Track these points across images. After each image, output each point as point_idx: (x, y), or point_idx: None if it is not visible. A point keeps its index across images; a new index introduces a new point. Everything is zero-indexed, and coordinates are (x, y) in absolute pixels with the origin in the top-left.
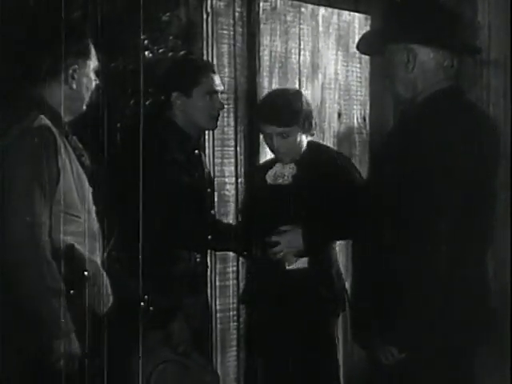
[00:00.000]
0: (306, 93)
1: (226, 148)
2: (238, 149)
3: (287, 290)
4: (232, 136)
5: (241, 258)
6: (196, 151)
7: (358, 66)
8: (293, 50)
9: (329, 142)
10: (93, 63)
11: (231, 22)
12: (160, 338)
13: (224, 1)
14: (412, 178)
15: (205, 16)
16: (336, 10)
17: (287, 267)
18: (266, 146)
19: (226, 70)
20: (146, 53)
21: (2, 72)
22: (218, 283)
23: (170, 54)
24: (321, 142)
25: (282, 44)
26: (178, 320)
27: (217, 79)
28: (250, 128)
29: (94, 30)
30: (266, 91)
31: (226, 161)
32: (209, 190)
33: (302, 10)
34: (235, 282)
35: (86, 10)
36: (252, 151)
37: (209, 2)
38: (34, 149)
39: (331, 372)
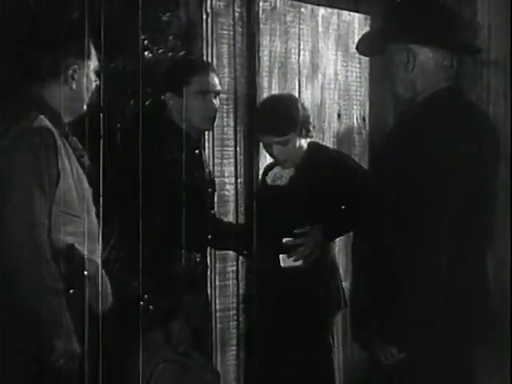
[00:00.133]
0: (306, 93)
1: (225, 148)
2: (238, 149)
3: (284, 288)
4: (232, 136)
5: (240, 258)
6: (196, 151)
7: (358, 66)
8: (292, 50)
9: (328, 142)
10: (93, 63)
11: (231, 22)
12: (160, 338)
13: (224, 1)
14: (412, 177)
15: (204, 16)
16: (336, 10)
17: (282, 265)
18: None
19: (226, 70)
20: (146, 53)
21: (1, 72)
22: (217, 283)
23: (170, 54)
24: (321, 142)
25: (281, 44)
26: (179, 319)
27: (210, 79)
28: (249, 128)
29: (94, 30)
30: (265, 91)
31: (225, 161)
32: (209, 189)
33: (302, 10)
34: (235, 281)
35: (86, 10)
36: (252, 151)
37: (208, 3)
38: (34, 149)
39: (325, 372)
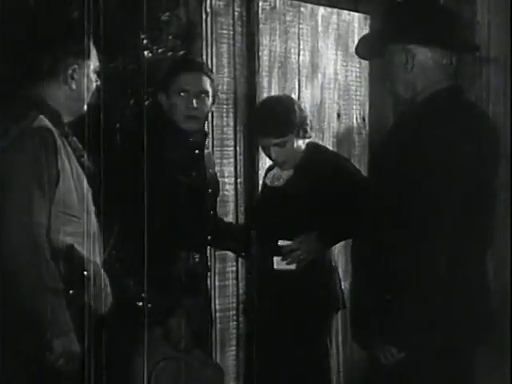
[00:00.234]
0: (306, 93)
1: (225, 148)
2: (238, 149)
3: (281, 289)
4: (231, 136)
5: (240, 258)
6: (196, 151)
7: (358, 65)
8: (292, 50)
9: (328, 142)
10: (93, 64)
11: (230, 21)
12: (160, 336)
13: (223, 0)
14: (412, 177)
15: (204, 16)
16: (335, 10)
17: (275, 267)
18: None
19: (226, 69)
20: (146, 52)
21: (2, 72)
22: (217, 283)
23: (170, 53)
24: (320, 143)
25: (281, 44)
26: (177, 317)
27: (193, 78)
28: (247, 130)
29: (94, 30)
30: (265, 91)
31: (225, 161)
32: (210, 190)
33: (302, 9)
34: (235, 281)
35: (86, 10)
36: (251, 151)
37: (208, 2)
38: (34, 149)
39: (321, 373)
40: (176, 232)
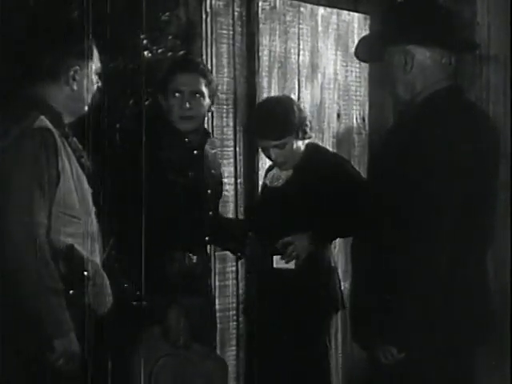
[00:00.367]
0: (306, 93)
1: (225, 148)
2: (237, 149)
3: (281, 289)
4: (231, 136)
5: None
6: (195, 151)
7: (358, 66)
8: (292, 50)
9: (328, 142)
10: (95, 65)
11: (230, 21)
12: (158, 334)
13: (223, 0)
14: (412, 177)
15: (204, 16)
16: (335, 10)
17: (274, 266)
18: None
19: (225, 70)
20: (146, 53)
21: (2, 72)
22: (217, 283)
23: (170, 53)
24: (319, 143)
25: (281, 44)
26: (175, 315)
27: (187, 78)
28: (246, 131)
29: (95, 30)
30: (265, 91)
31: (225, 161)
32: (209, 191)
33: (302, 9)
34: (235, 281)
35: (86, 10)
36: (251, 152)
37: (208, 2)
38: (34, 149)
39: (320, 373)
40: (172, 232)
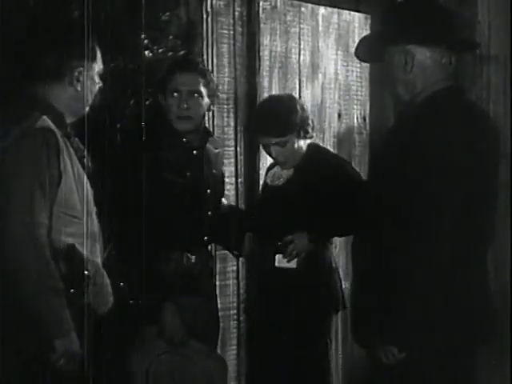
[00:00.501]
0: (306, 93)
1: (226, 148)
2: (238, 149)
3: (281, 288)
4: (232, 136)
5: (241, 258)
6: (194, 151)
7: (358, 65)
8: (293, 50)
9: (329, 142)
10: (98, 66)
11: (231, 21)
12: (154, 333)
13: (224, 0)
14: (412, 177)
15: (205, 15)
16: (336, 10)
17: (276, 265)
18: None
19: (226, 69)
20: (146, 52)
21: (4, 72)
22: (218, 283)
23: (170, 53)
24: (321, 144)
25: (281, 44)
26: (169, 311)
27: (185, 78)
28: (248, 129)
29: (96, 30)
30: (265, 91)
31: (225, 161)
32: (208, 191)
33: (302, 9)
34: (235, 281)
35: (86, 10)
36: (252, 151)
37: (209, 2)
38: (36, 150)
39: (320, 372)
40: (170, 232)
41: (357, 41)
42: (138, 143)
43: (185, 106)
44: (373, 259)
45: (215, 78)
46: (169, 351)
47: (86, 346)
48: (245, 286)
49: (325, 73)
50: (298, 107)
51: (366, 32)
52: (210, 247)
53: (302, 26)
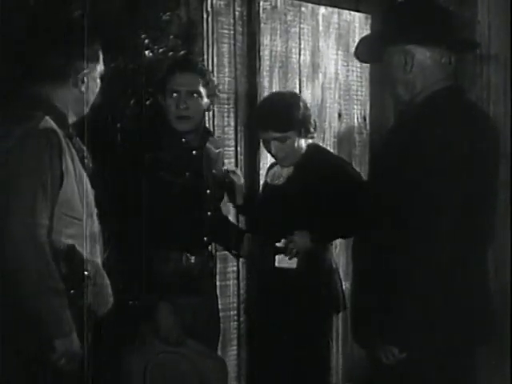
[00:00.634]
0: (307, 92)
1: (226, 148)
2: (238, 149)
3: (282, 289)
4: (232, 136)
5: (241, 258)
6: (194, 152)
7: (359, 65)
8: (293, 50)
9: (329, 142)
10: (100, 67)
11: (231, 21)
12: (151, 333)
13: (224, 0)
14: (412, 177)
15: (205, 15)
16: (336, 10)
17: (276, 265)
18: None
19: (226, 69)
20: (147, 52)
21: (5, 72)
22: (218, 283)
23: (171, 53)
24: (320, 144)
25: (282, 43)
26: (164, 311)
27: (184, 78)
28: (250, 128)
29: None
30: (266, 91)
31: (226, 161)
32: (208, 191)
33: (303, 9)
34: (235, 281)
35: (87, 9)
36: (252, 151)
37: (209, 2)
38: (39, 150)
39: (321, 372)
40: (169, 233)
41: (357, 41)
42: (138, 143)
43: (184, 106)
44: (373, 259)
45: (215, 78)
46: (167, 351)
47: (86, 346)
48: (245, 287)
49: (325, 73)
50: (301, 104)
51: (367, 32)
52: (210, 247)
53: (302, 25)
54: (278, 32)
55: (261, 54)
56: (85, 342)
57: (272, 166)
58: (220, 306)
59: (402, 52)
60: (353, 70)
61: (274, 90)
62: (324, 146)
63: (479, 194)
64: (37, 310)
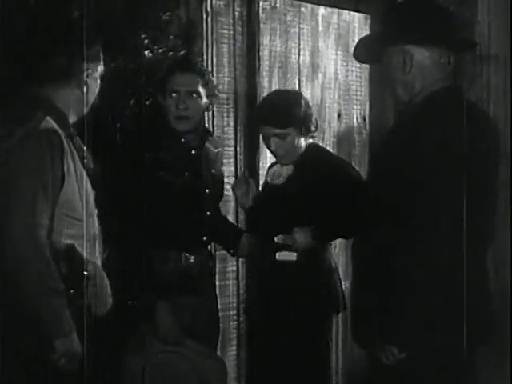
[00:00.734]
0: (306, 92)
1: (225, 148)
2: (238, 149)
3: (281, 289)
4: (232, 136)
5: (241, 258)
6: (193, 151)
7: (358, 65)
8: (292, 50)
9: (328, 141)
10: (100, 68)
11: (231, 21)
12: (150, 333)
13: (224, 0)
14: (412, 177)
15: (205, 15)
16: (336, 10)
17: (277, 258)
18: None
19: (226, 69)
20: (146, 52)
21: (5, 72)
22: (217, 283)
23: (170, 53)
24: (320, 144)
25: (281, 44)
26: (163, 311)
27: (183, 78)
28: (249, 128)
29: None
30: (265, 91)
31: (225, 161)
32: (207, 190)
33: (302, 9)
34: (235, 281)
35: (87, 9)
36: (252, 151)
37: (209, 2)
38: (41, 151)
39: (321, 372)
40: (168, 233)
41: (356, 41)
42: (138, 143)
43: (183, 106)
44: (373, 259)
45: (215, 78)
46: (166, 351)
47: (85, 346)
48: (244, 287)
49: (324, 73)
50: (303, 103)
51: (366, 32)
52: (209, 247)
53: (301, 26)
54: (278, 32)
55: (260, 54)
56: (85, 342)
57: (272, 165)
58: (219, 306)
59: (401, 52)
60: (352, 70)
61: (277, 88)
62: (323, 145)
63: (479, 194)
64: (37, 310)
